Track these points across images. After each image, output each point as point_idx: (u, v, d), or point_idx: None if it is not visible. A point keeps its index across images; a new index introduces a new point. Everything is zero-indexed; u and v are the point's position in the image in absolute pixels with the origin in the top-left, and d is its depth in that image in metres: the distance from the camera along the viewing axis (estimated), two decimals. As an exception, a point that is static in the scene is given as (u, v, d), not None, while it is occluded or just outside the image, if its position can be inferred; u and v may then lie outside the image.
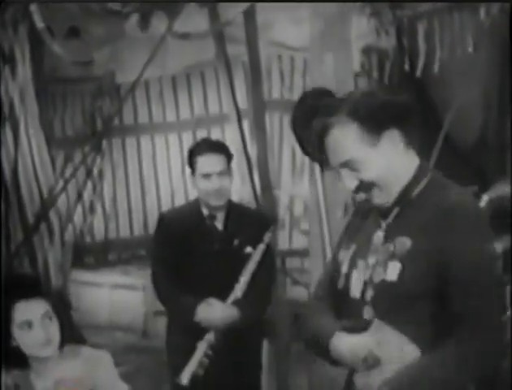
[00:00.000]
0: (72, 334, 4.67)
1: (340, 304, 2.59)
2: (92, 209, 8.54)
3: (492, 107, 7.03)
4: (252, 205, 7.69)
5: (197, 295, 4.12)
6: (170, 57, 7.66)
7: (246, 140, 7.51)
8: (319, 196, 4.54)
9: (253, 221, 4.32)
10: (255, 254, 4.18)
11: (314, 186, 4.61)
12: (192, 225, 4.25)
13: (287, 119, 8.42)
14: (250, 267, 4.16)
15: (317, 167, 4.52)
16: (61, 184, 7.31)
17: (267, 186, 6.12)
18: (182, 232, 4.23)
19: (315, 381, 5.47)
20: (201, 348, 4.05)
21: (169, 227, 4.28)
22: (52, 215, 7.23)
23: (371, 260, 2.50)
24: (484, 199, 5.84)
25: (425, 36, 5.44)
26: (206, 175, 4.14)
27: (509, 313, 4.72)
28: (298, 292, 6.81)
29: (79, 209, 8.41)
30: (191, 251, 4.20)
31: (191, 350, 4.05)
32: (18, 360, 3.19)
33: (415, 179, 2.48)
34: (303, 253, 6.70)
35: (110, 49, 7.78)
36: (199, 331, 4.09)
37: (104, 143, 8.44)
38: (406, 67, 5.42)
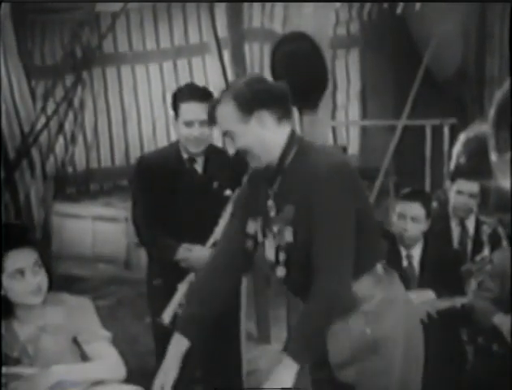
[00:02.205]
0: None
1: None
2: (73, 139, 8.53)
3: (471, 39, 7.05)
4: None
5: (177, 238, 4.16)
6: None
7: (227, 71, 7.47)
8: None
9: (231, 164, 4.30)
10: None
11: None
12: (171, 168, 4.22)
13: (267, 49, 8.40)
14: (229, 210, 4.19)
15: (295, 110, 4.50)
16: (42, 120, 7.27)
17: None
18: (161, 175, 4.20)
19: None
20: (182, 289, 4.12)
21: (148, 170, 4.24)
22: (33, 149, 7.22)
23: (275, 228, 3.00)
24: (462, 138, 5.91)
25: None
26: (188, 123, 4.12)
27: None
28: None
29: (60, 139, 8.40)
30: (170, 194, 4.19)
31: (172, 291, 4.12)
32: (3, 309, 3.23)
33: (287, 148, 2.99)
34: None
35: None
36: (179, 272, 4.15)
37: (84, 73, 8.40)
38: (385, 5, 5.39)
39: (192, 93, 4.20)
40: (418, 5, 5.51)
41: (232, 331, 4.49)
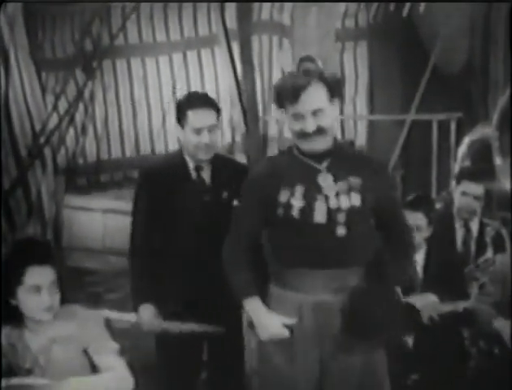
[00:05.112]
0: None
1: (297, 229, 3.46)
2: (84, 131, 8.58)
3: (476, 39, 7.07)
4: (241, 127, 7.76)
5: (186, 250, 4.10)
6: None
7: (236, 62, 7.50)
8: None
9: (239, 173, 4.20)
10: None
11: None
12: (177, 178, 4.13)
13: (276, 41, 8.44)
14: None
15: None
16: (54, 117, 7.30)
17: (253, 108, 6.16)
18: (167, 185, 4.11)
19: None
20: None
21: (153, 181, 4.15)
22: (45, 148, 7.26)
23: (331, 193, 3.43)
24: (466, 141, 5.96)
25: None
26: (198, 130, 4.01)
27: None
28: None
29: (71, 131, 8.45)
30: (178, 205, 4.10)
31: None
32: (15, 318, 3.32)
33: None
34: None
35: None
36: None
37: (94, 65, 8.45)
38: (391, 7, 5.43)
39: (198, 99, 4.16)
40: (422, 6, 5.53)
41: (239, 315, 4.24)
